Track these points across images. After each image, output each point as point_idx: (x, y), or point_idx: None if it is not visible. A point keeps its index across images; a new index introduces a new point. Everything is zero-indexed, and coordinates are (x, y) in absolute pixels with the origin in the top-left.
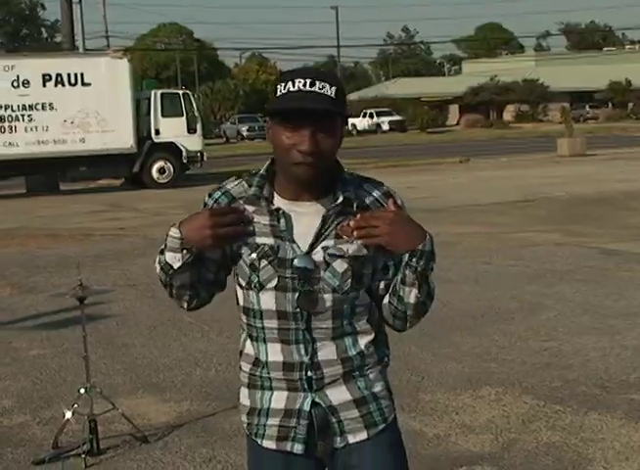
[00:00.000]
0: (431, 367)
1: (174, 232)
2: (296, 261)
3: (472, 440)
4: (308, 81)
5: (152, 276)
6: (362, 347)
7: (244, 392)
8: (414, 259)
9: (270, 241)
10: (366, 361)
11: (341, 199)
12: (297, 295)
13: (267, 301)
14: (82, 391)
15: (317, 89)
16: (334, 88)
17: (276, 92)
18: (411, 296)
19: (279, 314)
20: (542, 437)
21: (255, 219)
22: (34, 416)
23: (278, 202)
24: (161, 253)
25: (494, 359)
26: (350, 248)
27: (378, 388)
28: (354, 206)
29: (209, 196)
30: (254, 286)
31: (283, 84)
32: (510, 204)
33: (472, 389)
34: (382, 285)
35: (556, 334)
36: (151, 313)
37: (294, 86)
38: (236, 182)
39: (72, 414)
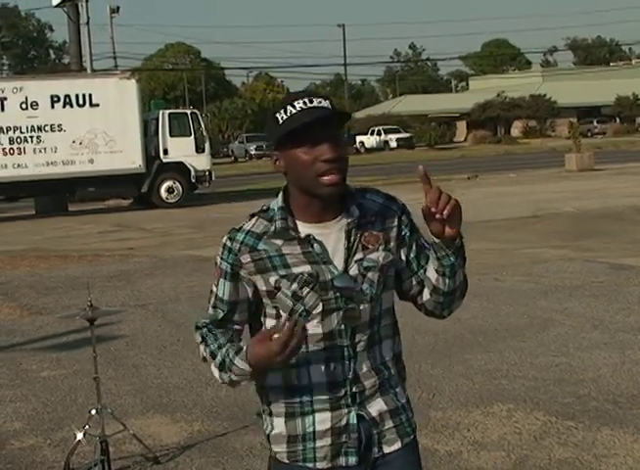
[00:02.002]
0: (442, 384)
1: (243, 367)
2: (336, 282)
3: (484, 457)
4: (306, 99)
5: (161, 296)
6: (389, 356)
7: (277, 422)
8: (451, 248)
9: (307, 268)
10: (392, 372)
11: (357, 212)
12: (341, 313)
13: (314, 326)
14: (93, 412)
15: (317, 104)
16: (327, 101)
17: (277, 120)
18: (455, 280)
19: (325, 336)
20: (554, 453)
21: (287, 251)
22: (45, 438)
23: (303, 228)
24: (221, 369)
25: (505, 376)
26: (380, 256)
27: (404, 399)
28: (367, 215)
29: (230, 239)
30: (300, 315)
31: (282, 110)
32: (519, 220)
33: (483, 405)
34: (414, 281)
35: (567, 350)
36: (160, 333)
37: (294, 108)
38: (253, 221)
39: (84, 435)
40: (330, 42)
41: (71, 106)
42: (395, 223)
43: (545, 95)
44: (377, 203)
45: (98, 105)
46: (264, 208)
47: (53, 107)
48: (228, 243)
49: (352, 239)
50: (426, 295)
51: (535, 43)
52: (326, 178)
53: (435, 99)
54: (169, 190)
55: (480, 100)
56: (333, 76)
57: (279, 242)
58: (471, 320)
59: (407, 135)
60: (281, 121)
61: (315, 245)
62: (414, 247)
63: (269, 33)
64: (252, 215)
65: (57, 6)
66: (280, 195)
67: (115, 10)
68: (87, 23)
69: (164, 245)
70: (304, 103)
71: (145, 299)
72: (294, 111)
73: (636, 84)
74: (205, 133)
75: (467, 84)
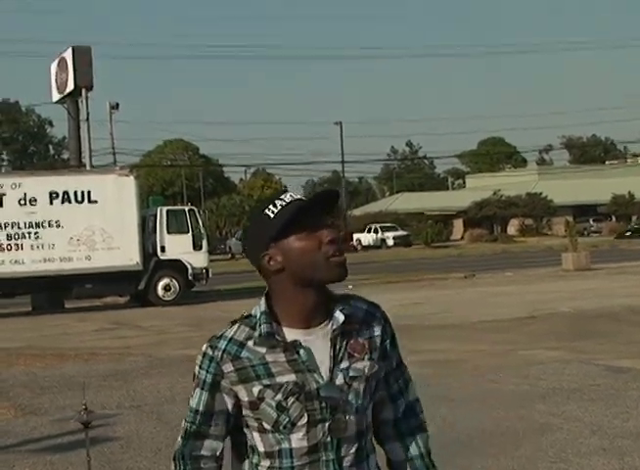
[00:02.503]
0: None
1: None
2: (322, 392)
3: None
4: (291, 193)
5: (157, 397)
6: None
7: None
8: None
9: (292, 377)
10: None
11: (342, 318)
12: (327, 424)
13: (299, 438)
14: None
15: (299, 195)
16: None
17: (267, 217)
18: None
19: (310, 449)
20: None
21: (270, 359)
22: None
23: (289, 334)
24: None
25: None
26: (366, 366)
27: None
28: (353, 322)
29: (212, 347)
30: (284, 427)
31: (271, 206)
32: (516, 320)
33: None
34: (384, 396)
35: (565, 455)
36: (156, 436)
37: (284, 201)
38: (235, 327)
39: None
40: (327, 139)
41: (70, 202)
42: (379, 332)
43: (541, 193)
44: (362, 309)
45: (96, 201)
46: (245, 314)
47: (51, 203)
48: (209, 351)
49: (338, 347)
50: (385, 419)
51: (531, 141)
52: (333, 260)
53: (432, 197)
54: (166, 288)
55: (476, 198)
56: (330, 173)
57: (262, 350)
58: (466, 423)
59: (404, 233)
60: (273, 215)
61: (301, 351)
62: (393, 362)
63: (267, 130)
64: (234, 322)
65: (57, 102)
66: (263, 300)
67: (115, 106)
68: (87, 119)
69: (161, 343)
70: (291, 196)
71: (140, 399)
72: (285, 202)
73: (632, 183)
74: (202, 230)
75: (463, 182)
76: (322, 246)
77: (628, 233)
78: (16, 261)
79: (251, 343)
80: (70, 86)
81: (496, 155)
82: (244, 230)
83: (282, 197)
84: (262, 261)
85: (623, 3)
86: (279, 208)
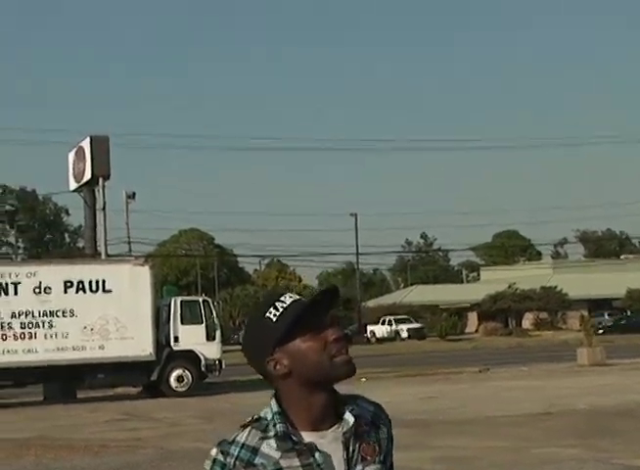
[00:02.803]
0: None
1: None
2: None
3: None
4: (289, 294)
5: None
6: None
7: None
8: None
9: None
10: None
11: (352, 420)
12: None
13: None
14: None
15: (297, 296)
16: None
17: (270, 320)
18: None
19: None
20: None
21: (285, 464)
22: None
23: (303, 437)
24: None
25: None
26: (377, 469)
27: None
28: (362, 424)
29: (223, 453)
30: None
31: (272, 309)
32: (531, 416)
33: None
34: None
35: None
36: None
37: (284, 302)
38: (247, 432)
39: None
40: (343, 231)
41: (84, 291)
42: (386, 435)
43: (556, 287)
44: (369, 411)
45: (111, 291)
46: (255, 417)
47: (66, 292)
48: (220, 457)
49: (351, 449)
50: None
51: (546, 235)
52: (339, 359)
53: (447, 289)
54: (179, 379)
55: (490, 291)
56: (345, 265)
57: (276, 455)
58: None
59: (418, 325)
60: (276, 319)
61: (317, 455)
62: (388, 465)
63: (282, 221)
64: (244, 426)
65: (74, 191)
66: (273, 401)
67: (131, 196)
68: (103, 208)
69: (173, 436)
70: (290, 296)
71: None
72: (286, 304)
73: None
74: (216, 321)
75: (478, 275)
76: (327, 345)
77: (601, 331)
78: (29, 350)
79: (264, 447)
80: (88, 175)
81: (511, 248)
82: (244, 335)
83: (282, 298)
84: (268, 367)
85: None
86: (280, 310)
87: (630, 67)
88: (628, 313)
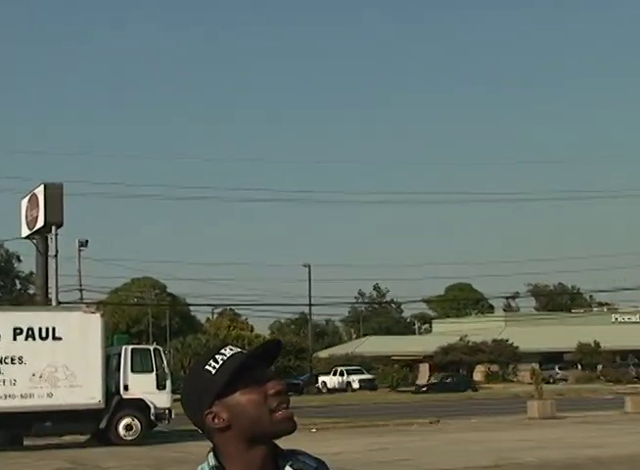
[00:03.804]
0: None
1: None
2: None
3: None
4: (230, 347)
5: None
6: None
7: None
8: None
9: None
10: None
11: None
12: None
13: None
14: None
15: (238, 349)
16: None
17: (209, 372)
18: None
19: None
20: None
21: None
22: None
23: None
24: None
25: None
26: None
27: None
28: None
29: None
30: None
31: (211, 361)
32: (480, 469)
33: None
34: None
35: None
36: None
37: (225, 355)
38: None
39: None
40: (295, 282)
41: (34, 339)
42: None
43: (507, 340)
44: (311, 467)
45: (61, 338)
46: None
47: (15, 339)
48: None
49: None
50: None
51: (498, 288)
52: (280, 414)
53: (399, 341)
54: (128, 427)
55: (442, 343)
56: (297, 315)
57: None
58: None
59: (370, 376)
60: (215, 371)
61: None
62: None
63: (235, 271)
64: None
65: (26, 237)
66: (211, 455)
67: (84, 243)
68: (55, 255)
69: None
70: (231, 349)
71: None
72: (226, 356)
73: (597, 331)
74: (166, 370)
75: (430, 327)
76: (268, 398)
77: (424, 388)
78: None
79: None
80: (41, 223)
81: (463, 300)
82: (183, 388)
83: (222, 351)
84: (206, 420)
85: (593, 155)
86: (220, 362)
87: (578, 123)
88: (579, 367)
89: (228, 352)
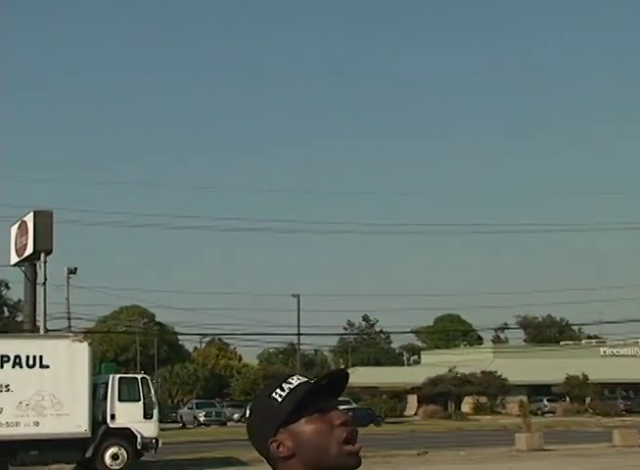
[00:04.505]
0: None
1: None
2: None
3: None
4: (298, 375)
5: None
6: None
7: None
8: None
9: None
10: None
11: None
12: None
13: None
14: None
15: (306, 378)
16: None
17: (275, 400)
18: None
19: None
20: None
21: None
22: None
23: None
24: None
25: None
26: None
27: None
28: None
29: None
30: None
31: (278, 389)
32: None
33: None
34: None
35: None
36: None
37: (291, 384)
38: None
39: None
40: (284, 311)
41: (21, 366)
42: None
43: (496, 372)
44: None
45: (48, 366)
46: None
47: (2, 366)
48: None
49: None
50: None
51: (487, 320)
52: (349, 447)
53: (387, 372)
54: (114, 457)
55: (431, 374)
56: (286, 345)
57: None
58: None
59: (358, 407)
60: (281, 400)
61: None
62: None
63: (224, 300)
64: None
65: (15, 265)
66: None
67: (73, 271)
68: (44, 283)
69: None
70: (298, 378)
71: None
72: (293, 385)
73: (585, 364)
74: (154, 399)
75: (419, 358)
76: (334, 429)
77: None
78: None
79: None
80: (30, 250)
81: (452, 332)
82: (249, 415)
83: (289, 380)
84: (271, 448)
85: (596, 188)
86: (287, 391)
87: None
88: (567, 399)
89: (295, 380)
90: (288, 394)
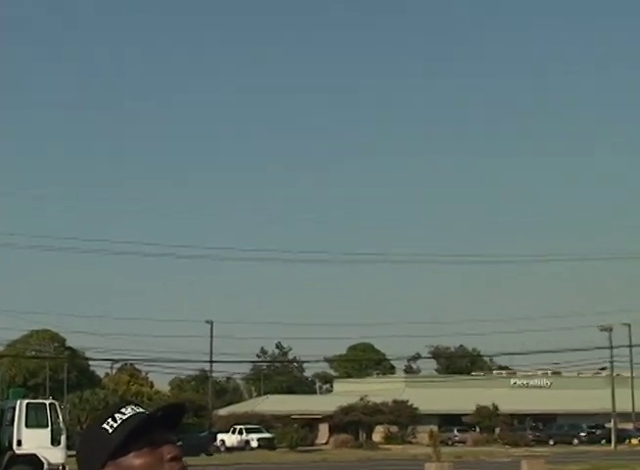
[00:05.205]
0: None
1: None
2: None
3: None
4: (133, 406)
5: None
6: None
7: None
8: None
9: None
10: None
11: None
12: None
13: None
14: None
15: (141, 409)
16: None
17: (106, 431)
18: None
19: None
20: None
21: None
22: None
23: None
24: None
25: None
26: None
27: None
28: None
29: None
30: None
31: (110, 419)
32: None
33: None
34: None
35: None
36: None
37: (124, 414)
38: None
39: None
40: (197, 337)
41: None
42: None
43: (407, 401)
44: None
45: None
46: None
47: None
48: None
49: None
50: None
51: (400, 349)
52: None
53: (299, 400)
54: None
55: (343, 403)
56: (198, 372)
57: None
58: None
59: (269, 435)
60: (112, 430)
61: None
62: None
63: (136, 326)
64: None
65: None
66: None
67: None
68: None
69: None
70: (132, 409)
71: None
72: (125, 416)
73: (496, 395)
74: (62, 425)
75: (331, 386)
76: (164, 464)
77: None
78: None
79: None
80: None
81: (365, 361)
82: (79, 444)
83: (122, 410)
84: None
85: (500, 221)
86: (119, 422)
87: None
88: (477, 430)
89: (129, 411)
90: (119, 425)
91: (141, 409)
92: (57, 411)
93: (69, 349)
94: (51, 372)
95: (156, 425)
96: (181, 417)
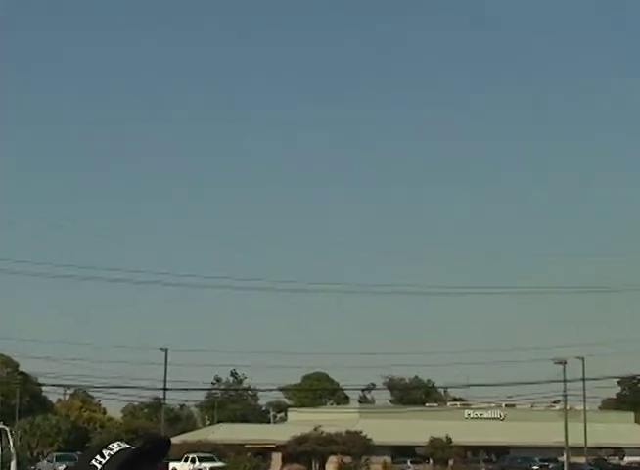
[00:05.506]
0: None
1: None
2: None
3: None
4: (119, 442)
5: None
6: None
7: None
8: None
9: None
10: None
11: None
12: None
13: None
14: None
15: (126, 445)
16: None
17: (94, 467)
18: None
19: None
20: None
21: None
22: None
23: None
24: None
25: None
26: None
27: None
28: None
29: None
30: None
31: (98, 456)
32: None
33: None
34: None
35: None
36: None
37: (112, 450)
38: None
39: None
40: (151, 365)
41: None
42: None
43: (361, 432)
44: None
45: None
46: None
47: None
48: None
49: None
50: None
51: (354, 379)
52: None
53: (253, 429)
54: None
55: (296, 433)
56: (151, 399)
57: None
58: None
59: (221, 465)
60: (100, 467)
61: None
62: None
63: (89, 352)
64: None
65: None
66: None
67: None
68: None
69: None
70: (119, 445)
71: None
72: (113, 452)
73: (450, 426)
74: (12, 451)
75: (285, 415)
76: None
77: None
78: None
79: None
80: None
81: (319, 390)
82: None
83: (110, 446)
84: None
85: (450, 251)
86: (107, 458)
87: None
88: (430, 461)
89: (116, 447)
90: (108, 460)
91: (126, 445)
92: (7, 437)
93: (22, 374)
94: (3, 397)
95: (143, 459)
96: (167, 450)
